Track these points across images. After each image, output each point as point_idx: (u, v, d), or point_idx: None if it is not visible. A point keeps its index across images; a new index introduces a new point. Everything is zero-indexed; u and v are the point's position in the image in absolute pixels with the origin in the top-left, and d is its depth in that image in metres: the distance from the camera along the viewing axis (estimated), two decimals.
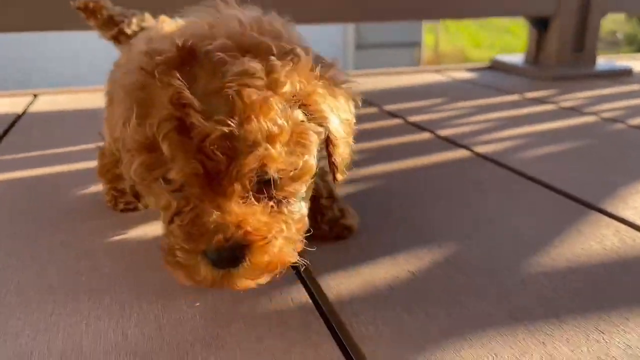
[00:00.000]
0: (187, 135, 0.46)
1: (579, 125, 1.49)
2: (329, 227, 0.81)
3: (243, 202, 0.49)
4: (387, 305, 0.67)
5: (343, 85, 0.60)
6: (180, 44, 0.50)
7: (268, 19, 0.59)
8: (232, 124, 0.46)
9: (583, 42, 2.24)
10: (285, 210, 0.53)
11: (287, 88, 0.50)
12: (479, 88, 2.02)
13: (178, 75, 0.47)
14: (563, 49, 2.22)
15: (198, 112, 0.46)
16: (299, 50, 0.54)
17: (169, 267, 0.52)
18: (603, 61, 2.33)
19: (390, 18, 2.19)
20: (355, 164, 1.15)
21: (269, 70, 0.50)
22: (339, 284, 0.71)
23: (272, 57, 0.51)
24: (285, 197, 0.53)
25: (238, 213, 0.48)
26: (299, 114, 0.52)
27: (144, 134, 0.48)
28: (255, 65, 0.49)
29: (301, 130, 0.51)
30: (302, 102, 0.53)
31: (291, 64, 0.52)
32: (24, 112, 1.63)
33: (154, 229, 0.86)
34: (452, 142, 1.34)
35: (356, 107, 0.63)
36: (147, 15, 0.95)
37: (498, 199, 0.99)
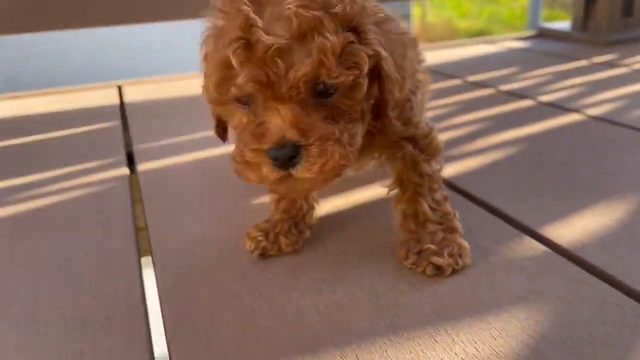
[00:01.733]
0: (252, 51, 0.55)
1: None
2: (416, 259, 0.72)
3: (301, 109, 0.57)
4: (621, 247, 0.76)
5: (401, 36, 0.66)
6: None
7: None
8: (287, 38, 0.55)
9: (632, 6, 2.32)
10: (341, 122, 0.60)
11: (338, 9, 0.57)
12: (541, 56, 2.09)
13: (246, 2, 0.57)
14: (613, 14, 2.29)
15: (261, 29, 0.55)
16: None
17: (239, 169, 0.60)
18: None
19: None
20: (480, 133, 1.24)
21: None
22: (564, 235, 0.80)
23: None
24: (340, 112, 0.60)
25: (294, 116, 0.57)
26: (349, 35, 0.58)
27: (219, 56, 0.58)
28: None
29: (351, 50, 0.58)
30: (353, 26, 0.59)
31: None
32: (122, 103, 1.68)
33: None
34: (559, 107, 1.42)
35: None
36: None
37: None
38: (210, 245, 0.82)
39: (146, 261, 0.82)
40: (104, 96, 1.76)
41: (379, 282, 0.71)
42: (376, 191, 0.95)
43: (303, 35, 0.56)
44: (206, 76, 0.62)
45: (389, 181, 0.80)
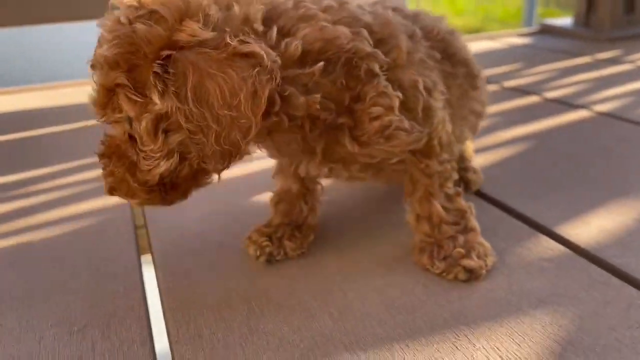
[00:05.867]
0: None
1: None
2: (446, 265, 0.68)
3: None
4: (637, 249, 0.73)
5: None
6: None
7: None
8: None
9: (634, 2, 2.30)
10: None
11: None
12: (544, 52, 2.07)
13: None
14: (615, 11, 2.27)
15: None
16: None
17: None
18: None
19: None
20: (488, 129, 1.21)
21: None
22: (581, 234, 0.77)
23: None
24: None
25: None
26: None
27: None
28: None
29: None
30: None
31: None
32: None
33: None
34: (566, 104, 1.39)
35: None
36: None
37: None
38: (213, 245, 0.79)
39: (145, 260, 0.79)
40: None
41: (391, 284, 0.68)
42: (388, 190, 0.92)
43: None
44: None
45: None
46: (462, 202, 0.73)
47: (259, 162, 1.05)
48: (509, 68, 1.82)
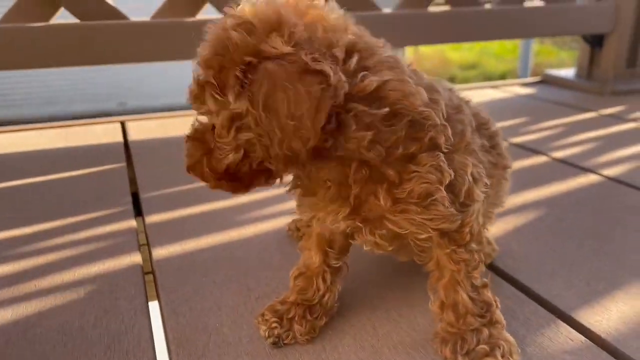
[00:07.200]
0: None
1: None
2: None
3: None
4: None
5: None
6: None
7: None
8: None
9: (636, 57, 2.34)
10: None
11: None
12: (548, 105, 2.09)
13: None
14: (618, 65, 2.31)
15: None
16: None
17: None
18: None
19: (455, 40, 2.23)
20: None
21: None
22: (601, 322, 0.77)
23: None
24: None
25: None
26: None
27: None
28: None
29: None
30: None
31: None
32: (126, 141, 1.63)
33: None
34: (574, 165, 1.40)
35: None
36: None
37: None
38: (227, 319, 0.77)
39: (155, 320, 0.77)
40: (106, 133, 1.72)
41: None
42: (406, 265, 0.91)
43: None
44: None
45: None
46: (489, 295, 0.71)
47: (276, 220, 1.04)
48: (514, 122, 1.84)
